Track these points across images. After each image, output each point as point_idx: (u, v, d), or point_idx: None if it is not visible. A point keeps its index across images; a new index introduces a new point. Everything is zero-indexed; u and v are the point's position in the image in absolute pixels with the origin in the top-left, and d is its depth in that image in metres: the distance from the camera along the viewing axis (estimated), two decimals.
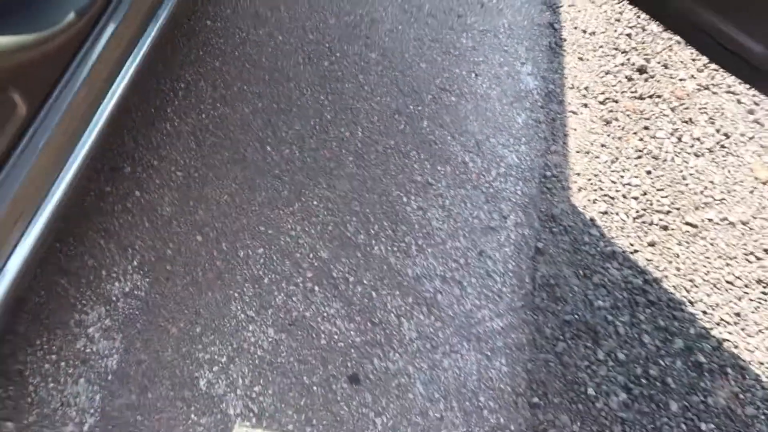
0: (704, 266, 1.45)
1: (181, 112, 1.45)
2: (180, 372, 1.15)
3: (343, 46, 1.64)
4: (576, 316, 1.34)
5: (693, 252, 1.48)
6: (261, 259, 1.30)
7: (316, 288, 1.29)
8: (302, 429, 1.14)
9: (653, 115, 1.69)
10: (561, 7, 1.86)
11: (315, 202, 1.39)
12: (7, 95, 0.87)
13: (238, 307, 1.24)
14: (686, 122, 1.70)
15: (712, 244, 1.50)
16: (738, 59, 1.03)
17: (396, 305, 1.30)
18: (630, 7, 1.86)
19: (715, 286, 1.42)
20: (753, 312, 1.38)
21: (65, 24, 0.95)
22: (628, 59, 1.76)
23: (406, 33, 1.70)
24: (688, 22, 1.07)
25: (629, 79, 1.74)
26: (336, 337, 1.24)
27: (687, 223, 1.53)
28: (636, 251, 1.46)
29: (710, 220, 1.53)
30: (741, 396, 1.26)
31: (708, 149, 1.66)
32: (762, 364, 1.31)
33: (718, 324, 1.36)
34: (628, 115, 1.68)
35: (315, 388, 1.19)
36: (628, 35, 1.81)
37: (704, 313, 1.38)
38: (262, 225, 1.34)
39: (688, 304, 1.39)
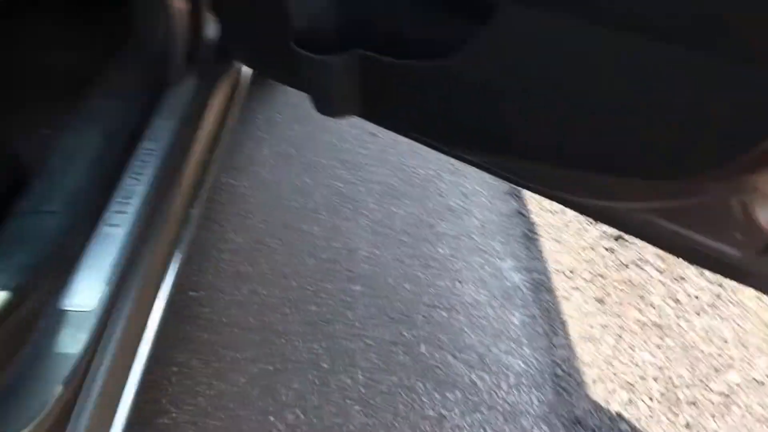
0: None
1: (176, 400, 1.41)
2: None
3: (326, 285, 1.65)
4: None
5: (731, 423, 1.40)
6: None
7: None
8: None
9: (643, 280, 1.69)
10: (524, 191, 1.93)
11: None
12: None
13: None
14: (677, 280, 1.70)
15: (749, 412, 1.42)
16: (714, 261, 1.01)
17: None
18: None
19: None
20: None
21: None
22: (603, 231, 1.80)
23: (383, 256, 1.73)
24: (653, 232, 1.06)
25: (610, 250, 1.76)
26: None
27: (714, 392, 1.47)
28: None
29: (737, 384, 1.47)
30: None
31: (708, 304, 1.63)
32: None
33: None
34: (619, 288, 1.67)
35: None
36: None
37: None
38: None
39: None
